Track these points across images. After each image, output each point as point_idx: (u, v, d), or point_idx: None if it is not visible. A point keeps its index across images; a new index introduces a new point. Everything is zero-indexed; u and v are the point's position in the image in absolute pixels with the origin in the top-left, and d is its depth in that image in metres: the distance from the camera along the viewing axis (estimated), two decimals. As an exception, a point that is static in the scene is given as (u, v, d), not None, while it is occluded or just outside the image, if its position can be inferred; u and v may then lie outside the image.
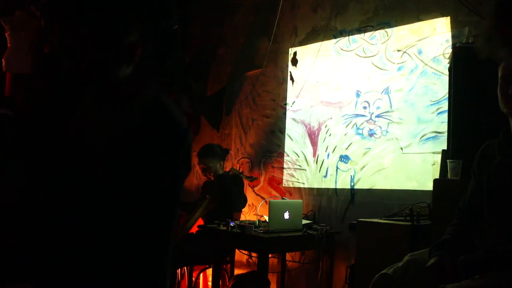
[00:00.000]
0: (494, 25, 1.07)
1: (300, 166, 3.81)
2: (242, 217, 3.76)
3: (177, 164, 0.97)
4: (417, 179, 3.07)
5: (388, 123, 3.27)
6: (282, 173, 3.93)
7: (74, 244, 0.90)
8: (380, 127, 3.31)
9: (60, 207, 0.91)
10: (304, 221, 3.23)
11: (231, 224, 3.10)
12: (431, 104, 3.05)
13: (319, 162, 3.67)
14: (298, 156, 3.83)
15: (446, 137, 2.81)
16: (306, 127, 3.80)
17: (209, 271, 3.63)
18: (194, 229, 3.49)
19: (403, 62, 3.21)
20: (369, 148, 3.35)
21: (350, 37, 3.55)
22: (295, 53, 3.91)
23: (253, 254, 3.60)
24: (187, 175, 1.01)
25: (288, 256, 3.62)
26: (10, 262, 0.92)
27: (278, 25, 3.96)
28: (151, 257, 0.94)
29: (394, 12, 3.30)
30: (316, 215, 3.57)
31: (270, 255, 3.22)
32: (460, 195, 1.86)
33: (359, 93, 3.46)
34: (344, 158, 3.50)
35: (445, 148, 2.58)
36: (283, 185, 3.90)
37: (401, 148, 3.18)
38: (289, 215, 3.06)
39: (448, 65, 2.66)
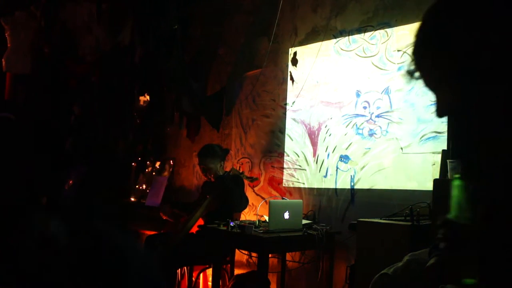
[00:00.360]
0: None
1: (300, 166, 3.81)
2: (242, 217, 3.76)
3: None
4: (417, 179, 3.07)
5: (388, 123, 3.27)
6: (282, 173, 3.93)
7: None
8: (380, 127, 3.31)
9: None
10: (304, 221, 3.23)
11: (231, 224, 3.10)
12: (431, 104, 3.04)
13: (319, 162, 3.67)
14: (298, 156, 3.83)
15: (446, 137, 2.81)
16: (306, 127, 3.80)
17: (209, 271, 3.63)
18: (194, 229, 3.49)
19: (403, 62, 3.21)
20: (369, 148, 3.35)
21: (350, 37, 3.55)
22: (295, 53, 3.91)
23: (253, 254, 3.59)
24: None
25: (288, 256, 3.62)
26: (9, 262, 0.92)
27: (278, 25, 3.96)
28: None
29: (394, 12, 3.30)
30: (316, 215, 3.57)
31: (270, 255, 3.23)
32: (460, 195, 1.85)
33: (359, 93, 3.46)
34: (344, 158, 3.50)
35: (445, 148, 2.59)
36: (283, 185, 3.90)
37: (401, 148, 3.18)
38: (289, 215, 3.06)
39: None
